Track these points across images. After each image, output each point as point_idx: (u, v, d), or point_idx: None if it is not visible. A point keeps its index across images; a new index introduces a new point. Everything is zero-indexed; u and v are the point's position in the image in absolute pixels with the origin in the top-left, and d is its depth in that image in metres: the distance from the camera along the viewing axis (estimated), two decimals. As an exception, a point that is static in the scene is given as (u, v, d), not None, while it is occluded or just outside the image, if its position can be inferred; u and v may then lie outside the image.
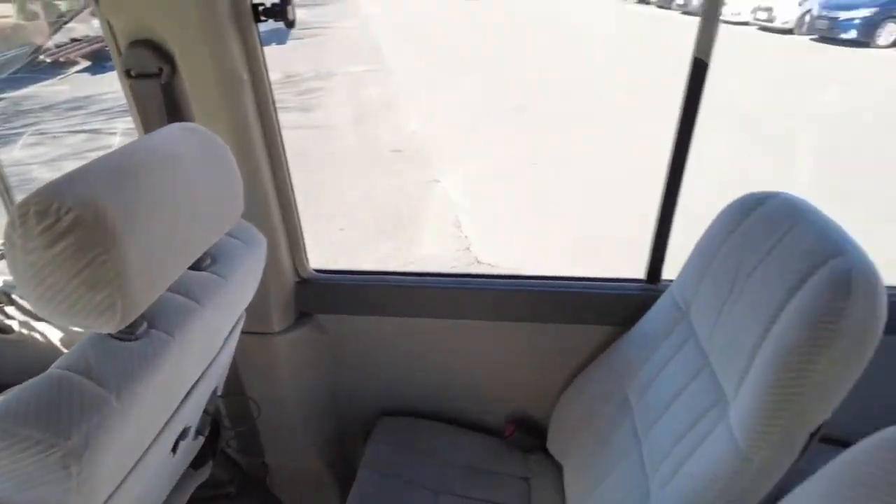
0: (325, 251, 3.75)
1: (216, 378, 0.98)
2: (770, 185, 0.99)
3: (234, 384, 1.34)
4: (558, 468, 1.27)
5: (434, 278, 1.34)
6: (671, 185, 1.15)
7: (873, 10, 10.16)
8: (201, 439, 1.10)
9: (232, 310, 0.90)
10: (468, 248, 3.83)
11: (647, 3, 15.20)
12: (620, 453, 1.06)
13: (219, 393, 1.09)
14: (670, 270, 1.21)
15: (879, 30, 10.20)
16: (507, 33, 11.89)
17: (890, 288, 0.76)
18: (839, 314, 0.71)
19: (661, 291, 1.16)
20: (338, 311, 1.36)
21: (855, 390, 0.75)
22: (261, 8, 1.02)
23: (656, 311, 1.14)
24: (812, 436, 0.78)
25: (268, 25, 1.07)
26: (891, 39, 10.27)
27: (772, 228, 0.88)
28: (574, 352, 1.31)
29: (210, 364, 0.88)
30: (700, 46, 1.03)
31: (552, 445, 1.31)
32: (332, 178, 4.86)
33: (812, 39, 11.04)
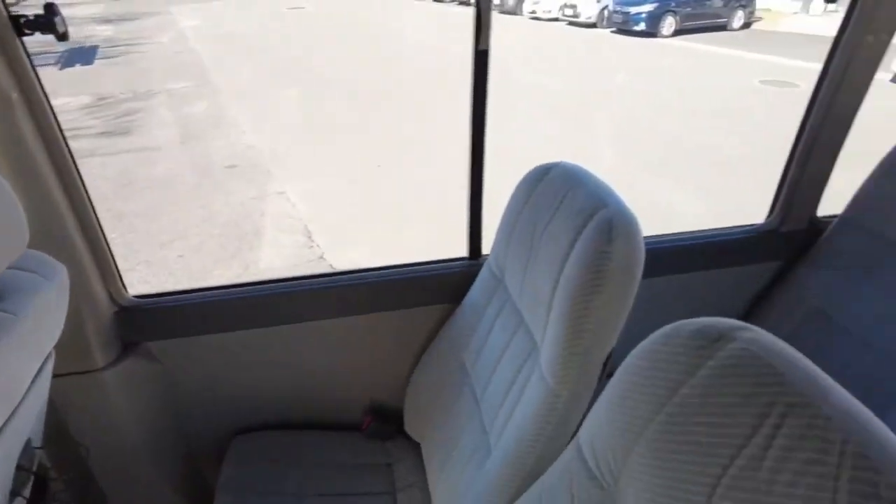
0: (164, 282, 3.49)
1: (27, 429, 0.89)
2: (574, 156, 1.12)
3: (59, 431, 1.22)
4: (417, 447, 1.33)
5: (268, 285, 1.33)
6: (475, 167, 1.26)
7: (655, 5, 11.72)
8: (22, 501, 0.99)
9: (34, 349, 0.82)
10: (322, 257, 3.78)
11: (467, 4, 16.08)
12: (465, 419, 1.14)
13: (36, 444, 0.99)
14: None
15: (662, 22, 11.81)
16: (331, 40, 11.86)
17: (645, 238, 0.92)
18: (606, 257, 0.84)
19: (482, 265, 1.26)
20: (168, 336, 1.29)
21: (629, 327, 0.89)
22: (23, 20, 0.94)
23: (479, 282, 1.24)
24: (605, 366, 0.91)
25: (59, 43, 0.98)
26: (671, 30, 11.94)
27: (554, 193, 1.00)
28: (416, 334, 1.38)
29: (13, 413, 0.80)
30: (479, 39, 1.14)
31: (408, 427, 1.36)
32: (164, 202, 4.51)
33: (612, 32, 12.44)
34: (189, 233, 4.09)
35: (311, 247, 3.89)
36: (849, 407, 0.49)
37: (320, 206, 4.51)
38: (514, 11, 14.62)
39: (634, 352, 0.65)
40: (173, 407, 1.38)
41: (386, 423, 1.43)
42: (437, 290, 1.35)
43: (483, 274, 1.24)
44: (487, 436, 1.05)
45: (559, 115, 6.86)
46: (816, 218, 1.49)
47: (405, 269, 1.35)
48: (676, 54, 10.55)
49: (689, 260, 1.47)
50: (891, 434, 0.47)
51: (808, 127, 1.38)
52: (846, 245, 1.38)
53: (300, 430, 1.43)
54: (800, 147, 1.41)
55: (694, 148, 5.80)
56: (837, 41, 1.28)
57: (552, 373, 0.90)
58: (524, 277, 1.04)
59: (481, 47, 1.14)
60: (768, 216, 1.51)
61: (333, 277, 1.35)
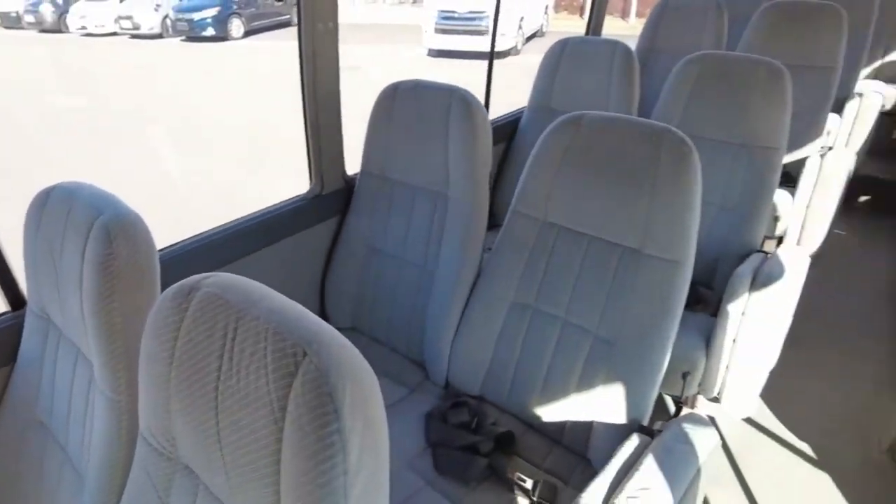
0: None
1: None
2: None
3: None
4: None
5: None
6: None
7: (217, 9, 11.70)
8: None
9: None
10: None
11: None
12: (57, 475, 1.06)
13: None
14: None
15: (229, 25, 11.90)
16: None
17: (162, 248, 0.99)
18: (111, 259, 0.89)
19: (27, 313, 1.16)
20: None
21: None
22: None
23: (27, 331, 1.14)
24: None
25: None
26: (241, 32, 12.16)
27: (60, 213, 1.00)
28: None
29: None
30: None
31: None
32: None
33: (182, 41, 11.94)
34: None
35: None
36: (273, 306, 0.65)
37: None
38: (59, 28, 12.62)
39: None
40: None
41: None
42: None
43: (30, 320, 1.14)
44: (80, 475, 1.01)
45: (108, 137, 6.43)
46: (347, 176, 1.82)
47: None
48: (250, 54, 10.87)
49: (262, 236, 1.62)
50: (300, 313, 0.65)
51: (307, 106, 1.65)
52: (370, 191, 1.73)
53: None
54: (308, 124, 1.68)
55: (268, 134, 6.23)
56: (300, 30, 1.56)
57: (106, 383, 0.92)
58: (62, 305, 1.01)
59: None
60: (310, 184, 1.77)
61: None
